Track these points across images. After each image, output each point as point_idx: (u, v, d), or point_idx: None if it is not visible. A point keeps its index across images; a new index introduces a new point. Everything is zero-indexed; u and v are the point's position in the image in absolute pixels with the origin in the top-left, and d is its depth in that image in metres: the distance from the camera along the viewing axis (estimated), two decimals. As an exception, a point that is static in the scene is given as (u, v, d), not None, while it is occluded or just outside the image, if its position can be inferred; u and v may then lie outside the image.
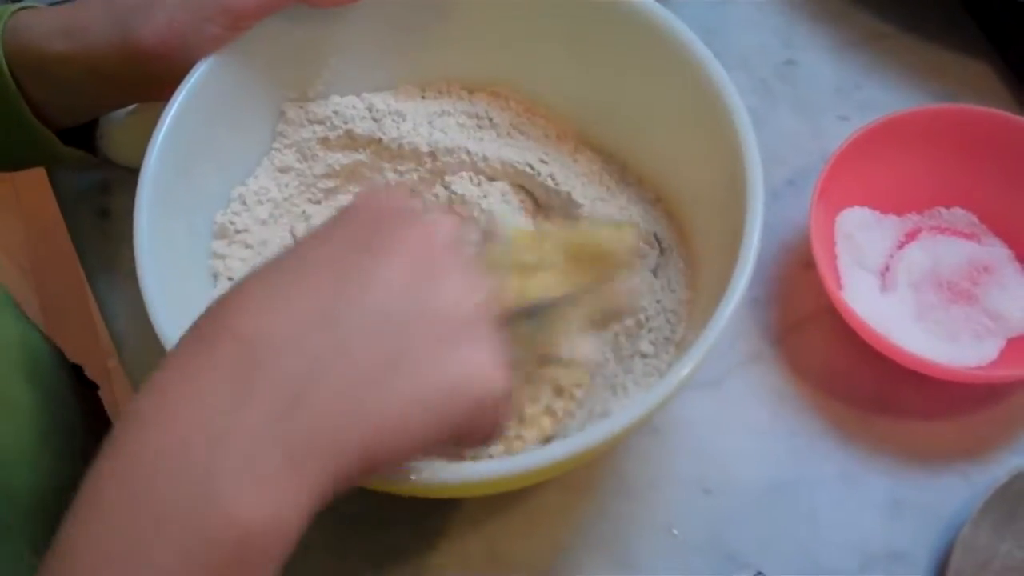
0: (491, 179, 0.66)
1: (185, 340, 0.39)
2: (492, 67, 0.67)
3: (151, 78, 0.59)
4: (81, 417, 0.67)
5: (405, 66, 0.67)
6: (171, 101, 0.57)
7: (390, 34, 0.66)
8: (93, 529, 0.35)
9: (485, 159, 0.66)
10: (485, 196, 0.65)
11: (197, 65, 0.58)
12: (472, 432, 0.41)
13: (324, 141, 0.66)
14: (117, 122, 0.70)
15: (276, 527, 0.36)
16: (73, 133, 0.66)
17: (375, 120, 0.66)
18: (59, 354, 0.69)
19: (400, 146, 0.66)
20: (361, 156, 0.66)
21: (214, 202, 0.63)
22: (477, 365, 0.40)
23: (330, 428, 0.37)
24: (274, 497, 0.36)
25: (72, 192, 0.74)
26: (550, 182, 0.65)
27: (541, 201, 0.66)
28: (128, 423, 0.37)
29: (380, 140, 0.66)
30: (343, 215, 0.44)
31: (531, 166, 0.65)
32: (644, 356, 0.59)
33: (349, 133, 0.66)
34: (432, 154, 0.66)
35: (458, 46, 0.67)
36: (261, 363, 0.37)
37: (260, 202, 0.64)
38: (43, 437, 0.59)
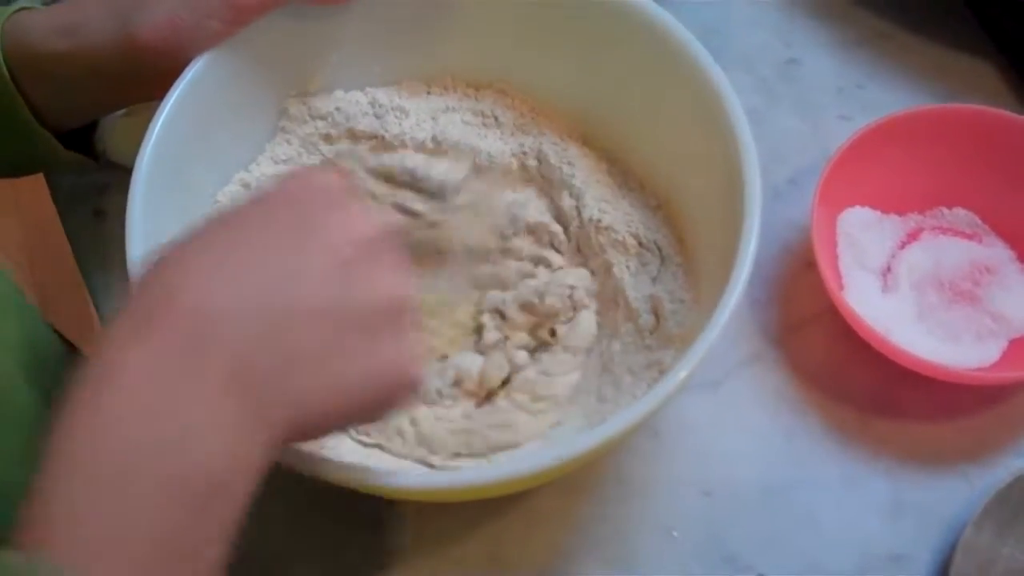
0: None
1: (133, 309, 0.40)
2: (495, 64, 0.67)
3: (152, 75, 0.58)
4: None
5: (409, 61, 0.67)
6: (166, 98, 0.57)
7: (393, 29, 0.65)
8: (63, 483, 0.37)
9: (490, 156, 0.65)
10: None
11: (193, 61, 0.58)
12: (382, 415, 0.44)
13: (326, 137, 0.66)
14: (116, 121, 0.70)
15: (240, 467, 0.39)
16: (72, 138, 0.65)
17: (377, 116, 0.66)
18: (62, 347, 0.69)
19: (403, 142, 0.66)
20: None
21: (209, 200, 0.62)
22: (395, 357, 0.43)
23: (269, 396, 0.40)
24: (235, 441, 0.39)
25: (68, 192, 0.74)
26: (566, 168, 0.65)
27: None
28: (92, 385, 0.38)
29: (382, 137, 0.66)
30: (278, 192, 0.45)
31: (539, 155, 0.65)
32: (646, 355, 0.59)
33: (351, 132, 0.66)
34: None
35: (461, 42, 0.67)
36: (211, 336, 0.39)
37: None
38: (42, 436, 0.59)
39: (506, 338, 0.61)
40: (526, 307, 0.62)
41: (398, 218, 0.46)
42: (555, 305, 0.61)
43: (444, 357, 0.62)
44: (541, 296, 0.62)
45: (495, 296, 0.63)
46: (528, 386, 0.60)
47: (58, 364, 0.65)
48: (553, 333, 0.62)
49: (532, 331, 0.62)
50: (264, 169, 0.64)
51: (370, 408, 0.43)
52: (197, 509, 0.37)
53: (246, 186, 0.63)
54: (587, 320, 0.62)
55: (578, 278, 0.62)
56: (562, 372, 0.60)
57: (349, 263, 0.42)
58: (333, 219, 0.43)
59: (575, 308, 0.62)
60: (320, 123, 0.65)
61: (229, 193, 0.63)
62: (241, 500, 0.39)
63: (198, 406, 0.38)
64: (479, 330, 0.62)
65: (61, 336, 0.68)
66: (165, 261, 0.41)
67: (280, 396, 0.40)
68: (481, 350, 0.62)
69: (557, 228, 0.64)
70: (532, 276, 0.64)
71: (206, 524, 0.38)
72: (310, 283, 0.41)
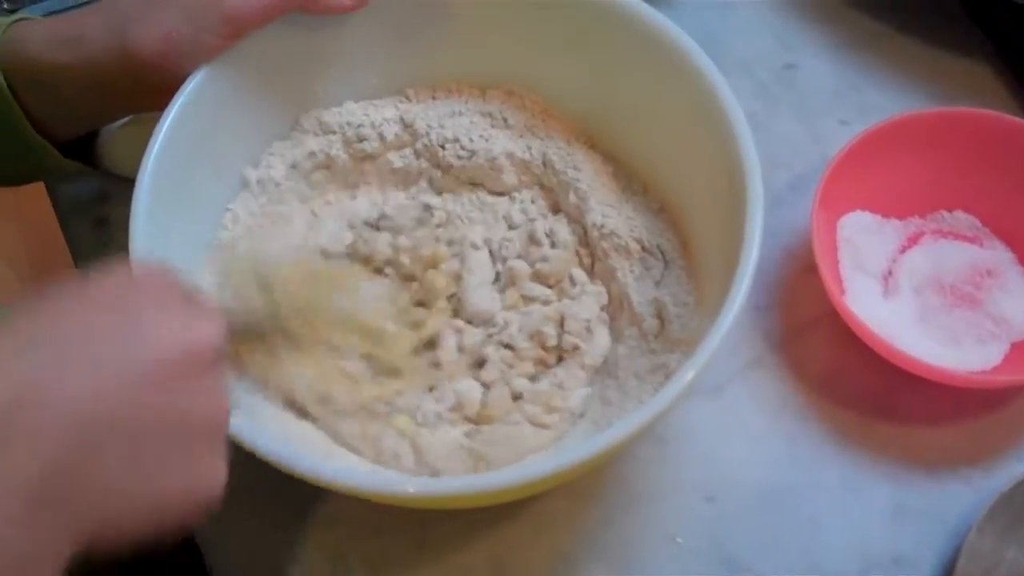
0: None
1: None
2: (500, 70, 0.67)
3: (150, 87, 0.59)
4: None
5: (413, 68, 0.67)
6: (167, 110, 0.57)
7: (394, 37, 0.66)
8: None
9: (493, 157, 0.66)
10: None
11: (193, 74, 0.58)
12: (176, 528, 0.42)
13: (334, 152, 0.66)
14: (116, 132, 0.70)
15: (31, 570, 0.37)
16: (72, 147, 0.66)
17: (380, 128, 0.66)
18: None
19: (426, 148, 0.66)
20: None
21: (210, 210, 0.62)
22: (204, 474, 0.42)
23: (76, 504, 0.38)
24: (27, 540, 0.37)
25: (69, 201, 0.74)
26: (572, 172, 0.65)
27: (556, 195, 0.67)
28: None
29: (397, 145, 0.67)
30: (108, 286, 0.43)
31: (545, 158, 0.66)
32: (651, 359, 0.59)
33: (362, 148, 0.66)
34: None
35: (464, 49, 0.67)
36: (21, 431, 0.37)
37: (274, 185, 0.65)
38: None
39: (510, 367, 0.61)
40: (536, 336, 0.61)
41: (226, 318, 0.45)
42: (574, 342, 0.61)
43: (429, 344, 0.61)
44: (558, 329, 0.61)
45: (502, 327, 0.62)
46: (542, 398, 0.59)
47: None
48: (560, 360, 0.61)
49: (539, 361, 0.61)
50: (273, 173, 0.65)
51: (171, 523, 0.42)
52: None
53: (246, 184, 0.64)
54: (602, 336, 0.62)
55: (595, 300, 0.62)
56: (577, 386, 0.60)
57: (173, 375, 0.41)
58: (161, 324, 0.41)
59: (591, 331, 0.62)
60: (333, 137, 0.66)
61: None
62: None
63: None
64: (480, 364, 0.61)
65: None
66: None
67: (85, 512, 0.38)
68: (482, 382, 0.61)
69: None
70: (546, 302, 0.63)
71: None
72: (132, 393, 0.39)
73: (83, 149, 0.67)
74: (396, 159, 0.67)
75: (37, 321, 0.40)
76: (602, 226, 0.63)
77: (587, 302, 0.62)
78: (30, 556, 0.37)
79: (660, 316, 0.60)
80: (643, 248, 0.62)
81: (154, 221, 0.55)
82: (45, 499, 0.37)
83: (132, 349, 0.40)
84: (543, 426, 0.59)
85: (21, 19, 0.62)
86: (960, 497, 0.61)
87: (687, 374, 0.49)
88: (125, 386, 0.39)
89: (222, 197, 0.63)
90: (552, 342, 0.61)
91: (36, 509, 0.37)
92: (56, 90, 0.60)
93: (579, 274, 0.63)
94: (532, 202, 0.66)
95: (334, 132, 0.66)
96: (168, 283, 0.44)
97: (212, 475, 0.43)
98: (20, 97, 0.61)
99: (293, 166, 0.65)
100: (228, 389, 0.44)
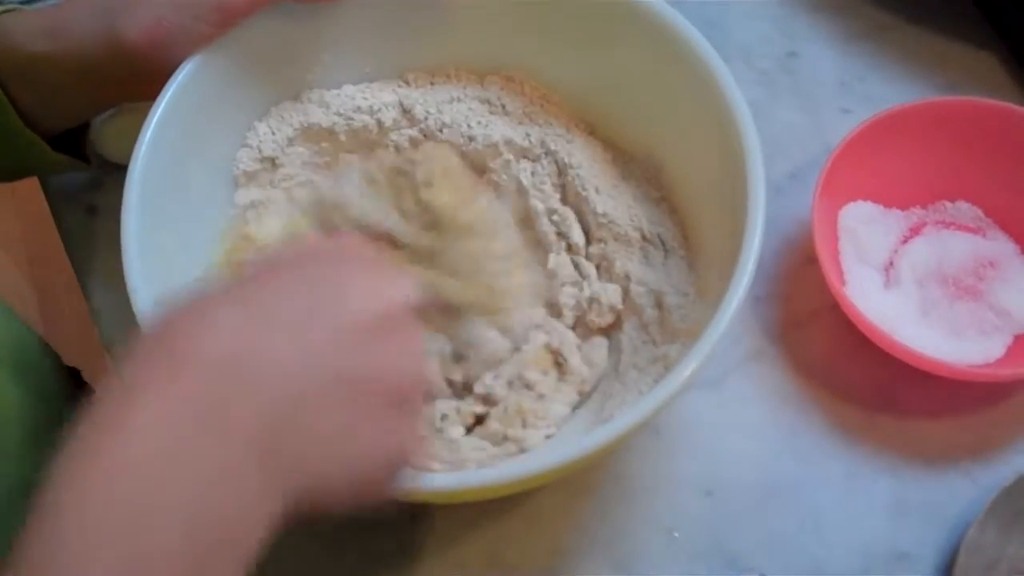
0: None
1: (150, 354, 0.39)
2: (498, 57, 0.67)
3: (139, 76, 0.58)
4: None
5: (409, 54, 0.67)
6: (159, 99, 0.57)
7: (389, 23, 0.65)
8: (72, 526, 0.35)
9: (492, 143, 0.65)
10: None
11: (185, 62, 0.58)
12: (380, 493, 0.44)
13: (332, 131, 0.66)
14: (108, 119, 0.69)
15: (251, 528, 0.38)
16: (62, 140, 0.65)
17: (378, 114, 0.66)
18: (56, 357, 0.69)
19: (424, 133, 0.66)
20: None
21: (203, 199, 0.62)
22: (406, 440, 0.43)
23: (286, 464, 0.39)
24: (250, 501, 0.38)
25: (61, 189, 0.74)
26: (571, 159, 0.64)
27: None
28: (104, 428, 0.37)
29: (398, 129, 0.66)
30: (305, 254, 0.45)
31: (544, 145, 0.65)
32: (651, 350, 0.59)
33: (359, 132, 0.66)
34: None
35: (460, 35, 0.66)
36: (236, 391, 0.38)
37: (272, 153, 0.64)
38: (31, 434, 0.59)
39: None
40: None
41: (421, 283, 0.45)
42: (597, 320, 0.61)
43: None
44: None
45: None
46: (568, 368, 0.60)
47: (41, 362, 0.65)
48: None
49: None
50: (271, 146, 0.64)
51: (373, 487, 0.43)
52: (206, 561, 0.37)
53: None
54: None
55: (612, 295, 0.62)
56: (599, 361, 0.60)
57: (373, 337, 0.41)
58: (357, 284, 0.43)
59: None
60: (337, 118, 0.65)
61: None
62: (247, 558, 0.38)
63: (217, 460, 0.37)
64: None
65: (50, 348, 0.68)
66: (187, 311, 0.40)
67: (296, 466, 0.39)
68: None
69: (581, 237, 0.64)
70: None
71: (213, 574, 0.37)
72: (336, 356, 0.41)
73: (73, 143, 0.67)
74: (396, 137, 0.66)
75: (243, 283, 0.42)
76: (602, 214, 0.62)
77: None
78: (247, 507, 0.38)
79: (660, 306, 0.60)
80: (643, 237, 0.62)
81: (146, 211, 0.54)
82: (263, 449, 0.38)
83: (332, 307, 0.41)
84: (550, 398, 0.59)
85: (5, 10, 0.61)
86: (961, 491, 0.61)
87: (688, 366, 0.48)
88: (327, 342, 0.40)
89: (215, 187, 0.63)
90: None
91: (255, 459, 0.38)
92: (43, 81, 0.60)
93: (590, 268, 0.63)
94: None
95: (335, 111, 0.65)
96: (358, 247, 0.46)
97: (410, 436, 0.43)
98: (7, 89, 0.60)
99: (291, 140, 0.65)
100: (423, 351, 0.44)
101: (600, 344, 0.61)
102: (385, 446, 0.42)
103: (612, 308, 0.61)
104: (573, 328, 0.61)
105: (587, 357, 0.60)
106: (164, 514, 0.36)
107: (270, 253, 0.44)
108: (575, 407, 0.59)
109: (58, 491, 0.36)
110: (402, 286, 0.44)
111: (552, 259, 0.62)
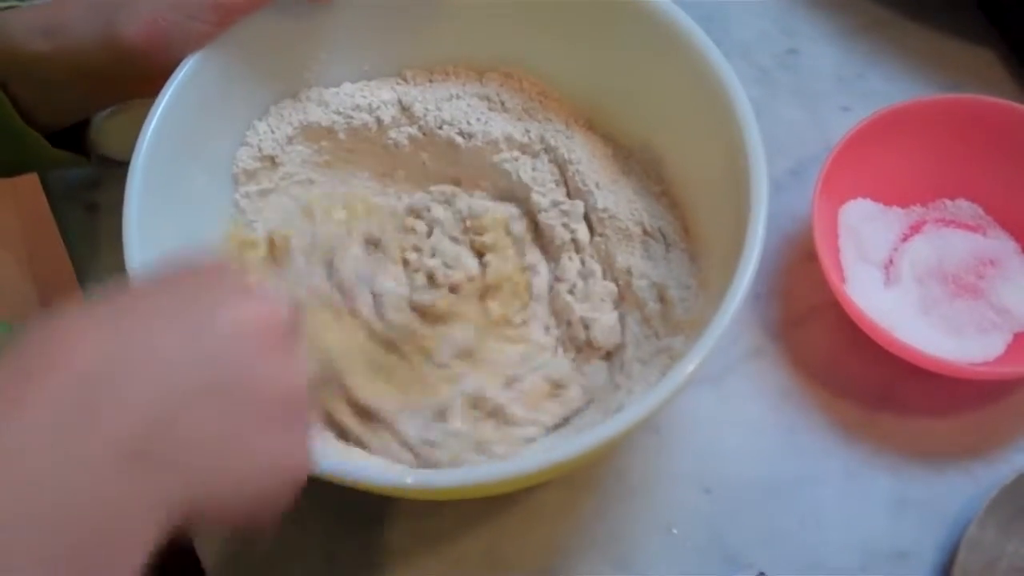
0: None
1: (10, 368, 0.38)
2: (497, 53, 0.67)
3: (137, 75, 0.58)
4: None
5: (407, 52, 0.67)
6: (159, 97, 0.57)
7: (388, 21, 0.65)
8: None
9: (492, 140, 0.65)
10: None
11: (185, 60, 0.58)
12: (268, 509, 0.42)
13: (331, 129, 0.65)
14: (108, 116, 0.69)
15: (125, 543, 0.37)
16: (62, 137, 0.65)
17: (377, 112, 0.66)
18: None
19: (423, 131, 0.66)
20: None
21: (203, 197, 0.62)
22: (293, 450, 0.42)
23: (165, 474, 0.38)
24: (121, 514, 0.37)
25: (61, 186, 0.74)
26: (571, 155, 0.64)
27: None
28: None
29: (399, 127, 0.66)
30: (181, 272, 0.44)
31: (544, 141, 0.65)
32: (655, 343, 0.59)
33: (358, 130, 0.66)
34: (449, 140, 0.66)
35: (459, 32, 0.66)
36: (103, 403, 0.37)
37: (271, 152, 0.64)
38: None
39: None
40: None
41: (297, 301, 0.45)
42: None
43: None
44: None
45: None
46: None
47: None
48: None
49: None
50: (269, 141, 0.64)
51: (266, 502, 0.42)
52: (76, 562, 0.36)
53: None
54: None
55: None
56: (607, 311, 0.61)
57: (254, 349, 0.41)
58: (239, 302, 0.42)
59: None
60: (337, 116, 0.65)
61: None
62: (132, 564, 0.37)
63: (78, 461, 0.36)
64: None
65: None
66: (55, 323, 0.39)
67: (177, 475, 0.38)
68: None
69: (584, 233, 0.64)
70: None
71: None
72: (213, 365, 0.40)
73: (74, 139, 0.66)
74: (395, 134, 0.66)
75: (124, 294, 0.42)
76: (603, 209, 0.62)
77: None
78: (123, 514, 0.37)
79: (662, 299, 0.60)
80: (644, 231, 0.62)
81: (148, 208, 0.55)
82: (138, 452, 0.37)
83: (210, 320, 0.41)
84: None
85: (4, 8, 0.61)
86: (961, 489, 0.61)
87: (694, 360, 0.48)
88: (203, 352, 0.40)
89: (215, 185, 0.63)
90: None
91: (129, 463, 0.37)
92: (41, 79, 0.60)
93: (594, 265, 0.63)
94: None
95: (334, 110, 0.65)
96: (232, 270, 0.45)
97: (298, 451, 0.42)
98: (7, 86, 0.60)
99: (290, 139, 0.65)
100: (304, 367, 0.44)
101: (599, 368, 0.61)
102: (276, 461, 0.41)
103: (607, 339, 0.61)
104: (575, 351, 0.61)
105: (587, 386, 0.60)
106: (17, 510, 0.35)
107: (152, 269, 0.44)
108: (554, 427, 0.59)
109: None
110: (279, 303, 0.43)
111: (564, 263, 0.63)
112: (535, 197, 0.64)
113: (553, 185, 0.64)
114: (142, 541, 0.37)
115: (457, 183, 0.67)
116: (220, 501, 0.40)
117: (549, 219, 0.63)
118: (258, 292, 0.44)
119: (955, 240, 0.67)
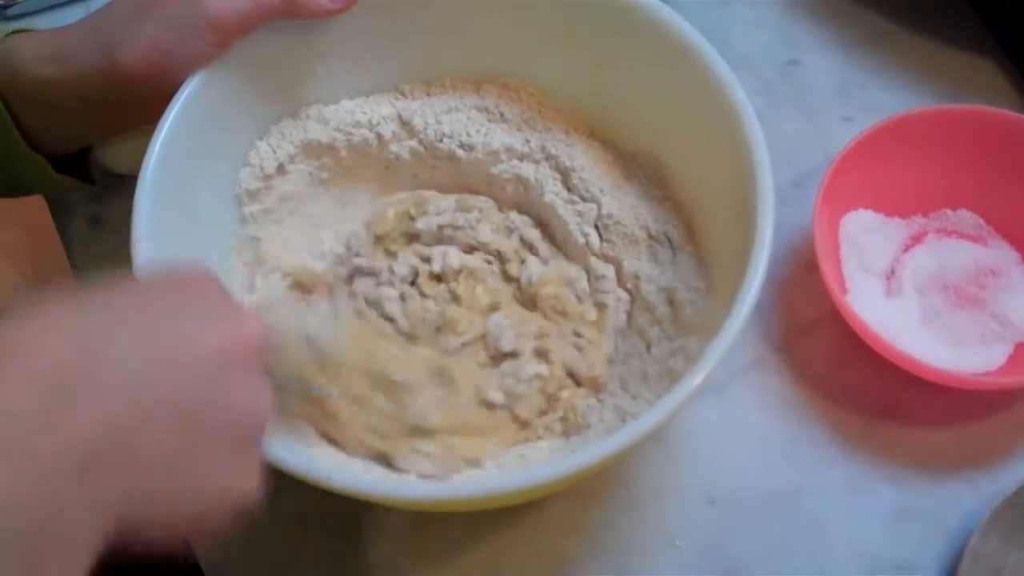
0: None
1: None
2: (493, 64, 0.67)
3: (138, 101, 0.58)
4: None
5: (405, 66, 0.67)
6: (165, 115, 0.57)
7: (386, 36, 0.65)
8: None
9: (493, 151, 0.65)
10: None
11: (188, 80, 0.58)
12: (213, 529, 0.43)
13: (332, 146, 0.66)
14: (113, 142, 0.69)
15: (64, 547, 0.37)
16: (66, 158, 0.65)
17: (377, 127, 0.66)
18: None
19: (424, 145, 0.66)
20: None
21: (208, 217, 0.62)
22: (242, 475, 0.43)
23: (112, 484, 0.38)
24: (62, 517, 0.37)
25: (64, 200, 0.74)
26: (573, 163, 0.64)
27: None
28: None
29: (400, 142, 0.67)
30: (162, 280, 0.44)
31: (545, 150, 0.65)
32: (668, 346, 0.59)
33: (359, 146, 0.66)
34: (450, 154, 0.66)
35: (457, 45, 0.66)
36: (68, 399, 0.37)
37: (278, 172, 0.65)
38: None
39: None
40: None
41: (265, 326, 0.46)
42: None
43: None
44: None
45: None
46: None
47: None
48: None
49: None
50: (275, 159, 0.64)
51: (209, 523, 0.42)
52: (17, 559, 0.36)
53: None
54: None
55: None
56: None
57: (221, 370, 0.41)
58: (214, 320, 0.42)
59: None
60: (336, 133, 0.65)
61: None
62: (76, 570, 0.37)
63: (30, 475, 0.36)
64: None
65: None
66: (33, 315, 0.39)
67: (125, 488, 0.38)
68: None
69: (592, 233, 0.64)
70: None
71: None
72: (180, 383, 0.40)
73: (78, 161, 0.67)
74: (396, 149, 0.66)
75: (94, 295, 0.41)
76: (608, 215, 0.62)
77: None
78: (69, 517, 0.37)
79: (672, 303, 0.60)
80: (649, 236, 0.62)
81: (155, 228, 0.55)
82: (91, 460, 0.37)
83: (173, 337, 0.41)
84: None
85: (17, 31, 0.62)
86: (963, 500, 0.61)
87: (695, 379, 0.49)
88: (163, 369, 0.40)
89: (220, 205, 0.63)
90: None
91: (80, 470, 0.37)
92: (46, 105, 0.60)
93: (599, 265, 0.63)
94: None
95: (335, 127, 0.65)
96: (211, 282, 0.45)
97: (248, 477, 0.43)
98: (13, 111, 0.61)
99: (292, 157, 0.65)
100: (266, 392, 0.44)
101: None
102: (223, 484, 0.42)
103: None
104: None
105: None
106: None
107: (124, 280, 0.44)
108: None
109: None
110: (249, 326, 0.43)
111: (578, 268, 0.63)
112: (548, 197, 0.64)
113: (561, 189, 0.65)
114: (88, 545, 0.37)
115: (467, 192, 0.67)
116: (159, 518, 0.40)
117: (565, 213, 0.64)
118: (235, 309, 0.44)
119: (956, 250, 0.67)
